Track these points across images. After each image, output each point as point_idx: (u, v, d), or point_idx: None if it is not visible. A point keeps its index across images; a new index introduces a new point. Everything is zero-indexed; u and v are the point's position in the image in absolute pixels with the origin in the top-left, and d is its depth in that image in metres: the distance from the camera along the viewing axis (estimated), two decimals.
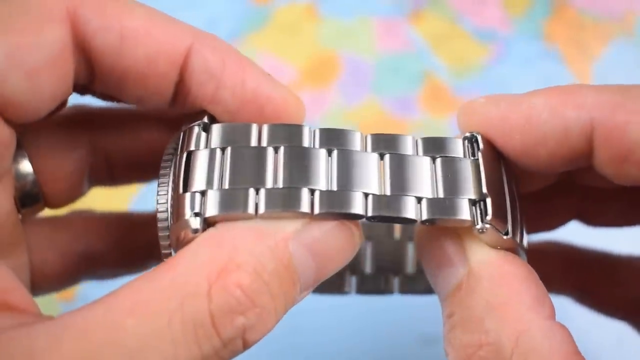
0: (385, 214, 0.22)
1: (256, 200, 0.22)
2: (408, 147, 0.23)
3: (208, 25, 0.48)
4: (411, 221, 0.22)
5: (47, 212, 0.28)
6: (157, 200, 0.23)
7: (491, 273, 0.22)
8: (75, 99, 0.28)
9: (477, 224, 0.22)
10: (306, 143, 0.23)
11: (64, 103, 0.27)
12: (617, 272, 0.31)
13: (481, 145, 0.23)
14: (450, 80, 0.47)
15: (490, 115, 0.24)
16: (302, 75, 0.47)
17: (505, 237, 0.22)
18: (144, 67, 0.23)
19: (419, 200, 0.22)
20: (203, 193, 0.22)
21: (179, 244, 0.22)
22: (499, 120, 0.23)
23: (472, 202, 0.22)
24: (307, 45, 0.48)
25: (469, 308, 0.22)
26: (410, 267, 0.29)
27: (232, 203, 0.22)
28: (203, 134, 0.23)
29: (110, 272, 0.30)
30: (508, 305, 0.21)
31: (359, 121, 0.46)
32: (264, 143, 0.23)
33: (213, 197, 0.22)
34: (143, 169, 0.29)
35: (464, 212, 0.22)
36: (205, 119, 0.24)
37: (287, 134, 0.23)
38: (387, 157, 0.23)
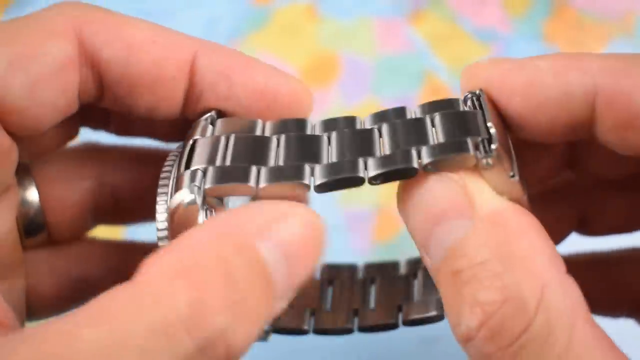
0: (385, 169, 0.21)
1: (257, 175, 0.22)
2: (405, 115, 0.23)
3: (208, 25, 0.48)
4: (413, 170, 0.21)
5: None
6: (157, 210, 0.23)
7: (507, 223, 0.20)
8: (88, 136, 0.28)
9: (482, 155, 0.21)
10: (307, 132, 0.23)
11: (72, 131, 0.27)
12: (614, 268, 0.31)
13: (483, 96, 0.23)
14: (450, 80, 0.47)
15: (492, 76, 0.23)
16: (302, 75, 0.47)
17: (512, 178, 0.21)
18: (153, 73, 0.24)
19: (419, 153, 0.21)
20: (204, 171, 0.22)
21: (174, 225, 0.22)
22: (500, 81, 0.23)
23: (475, 144, 0.21)
24: (307, 45, 0.48)
25: (481, 263, 0.20)
26: (416, 298, 0.28)
27: (233, 175, 0.21)
28: (209, 126, 0.24)
29: None
30: (529, 258, 0.20)
31: None
32: (267, 134, 0.23)
33: (213, 171, 0.22)
34: (150, 208, 0.29)
35: (467, 148, 0.21)
36: (213, 113, 0.24)
37: (290, 126, 0.23)
38: (384, 126, 0.23)
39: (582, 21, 0.49)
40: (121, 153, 0.29)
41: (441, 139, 0.22)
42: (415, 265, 0.29)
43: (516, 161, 0.22)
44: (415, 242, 0.22)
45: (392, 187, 0.23)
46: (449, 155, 0.21)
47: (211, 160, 0.22)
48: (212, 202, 0.22)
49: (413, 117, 0.23)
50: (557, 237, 0.30)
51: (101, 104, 0.25)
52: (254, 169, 0.22)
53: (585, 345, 0.19)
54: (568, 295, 0.20)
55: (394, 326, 0.27)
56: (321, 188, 0.22)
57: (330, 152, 0.23)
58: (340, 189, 0.22)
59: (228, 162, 0.22)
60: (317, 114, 0.25)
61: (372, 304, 0.28)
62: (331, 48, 0.48)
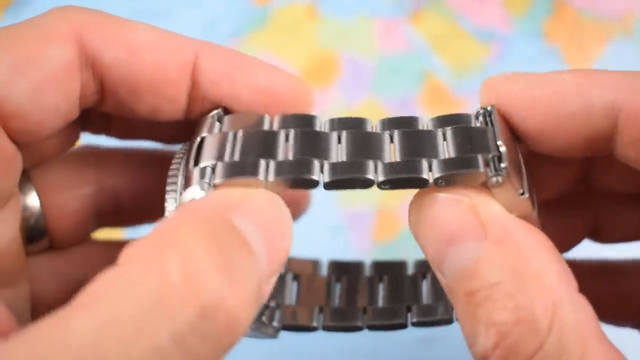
0: (396, 176, 0.22)
1: (266, 169, 0.22)
2: (417, 125, 0.23)
3: (208, 25, 0.48)
4: (423, 181, 0.21)
5: None
6: (166, 208, 0.23)
7: (518, 243, 0.21)
8: (88, 140, 0.28)
9: (492, 174, 0.21)
10: (317, 128, 0.23)
11: (73, 137, 0.27)
12: (626, 279, 0.31)
13: (494, 113, 0.23)
14: (451, 80, 0.47)
15: (514, 89, 0.23)
16: (303, 75, 0.47)
17: (521, 196, 0.22)
18: (155, 75, 0.24)
19: (430, 165, 0.22)
20: (213, 168, 0.22)
21: None
22: (522, 94, 0.23)
23: (486, 161, 0.21)
24: (307, 45, 0.48)
25: (494, 284, 0.20)
26: (425, 299, 0.28)
27: (242, 169, 0.22)
28: (217, 123, 0.24)
29: None
30: (540, 277, 0.20)
31: None
32: (275, 128, 0.23)
33: (222, 166, 0.22)
34: (151, 211, 0.29)
35: (478, 165, 0.21)
36: (220, 110, 0.24)
37: (299, 121, 0.24)
38: (396, 133, 0.23)
39: (582, 21, 0.49)
40: (121, 156, 0.29)
41: (452, 153, 0.22)
42: (424, 266, 0.29)
43: (527, 177, 0.23)
44: (429, 261, 0.22)
45: None
46: (459, 171, 0.21)
47: (220, 156, 0.22)
48: None
49: (425, 128, 0.23)
50: (569, 243, 0.30)
51: (103, 108, 0.25)
52: (262, 162, 0.22)
53: None
54: (579, 312, 0.20)
55: (402, 326, 0.27)
56: (330, 185, 0.22)
57: (340, 151, 0.23)
58: (349, 188, 0.22)
59: (237, 157, 0.22)
60: (318, 113, 0.25)
61: (380, 302, 0.28)
62: (331, 48, 0.48)
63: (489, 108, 0.23)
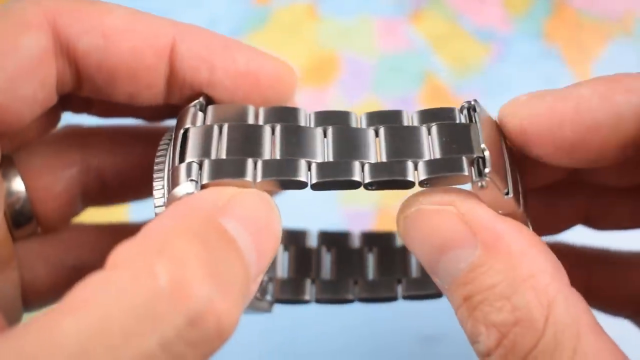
0: (382, 178, 0.22)
1: (254, 168, 0.22)
2: (403, 120, 0.23)
3: (208, 25, 0.48)
4: (409, 183, 0.22)
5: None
6: (155, 195, 0.23)
7: (509, 245, 0.21)
8: (70, 119, 0.28)
9: (476, 179, 0.21)
10: (302, 123, 0.23)
11: (54, 119, 0.27)
12: (622, 270, 0.31)
13: (478, 110, 0.23)
14: (451, 80, 0.47)
15: (537, 109, 0.23)
16: (302, 75, 0.47)
17: (506, 196, 0.22)
18: (131, 62, 0.23)
19: (416, 165, 0.22)
20: (200, 164, 0.22)
21: None
22: (547, 113, 0.23)
23: (470, 162, 0.22)
24: (307, 45, 0.48)
25: (489, 288, 0.21)
26: (415, 272, 0.29)
27: (230, 170, 0.22)
28: (200, 114, 0.24)
29: None
30: (533, 277, 0.21)
31: None
32: (261, 122, 0.23)
33: (210, 165, 0.22)
34: (137, 188, 0.29)
35: (463, 168, 0.22)
36: (202, 99, 0.24)
37: (284, 114, 0.23)
38: (381, 130, 0.23)
39: (582, 21, 0.49)
40: (104, 134, 0.28)
41: (437, 153, 0.22)
42: None
43: (512, 174, 0.23)
44: (424, 267, 0.23)
45: None
46: (444, 174, 0.22)
47: (206, 152, 0.22)
48: None
49: (410, 123, 0.23)
50: (560, 227, 0.30)
51: (80, 93, 0.25)
52: (250, 162, 0.22)
53: (590, 354, 0.20)
54: (573, 307, 0.21)
55: (393, 299, 0.28)
56: (317, 187, 0.22)
57: (326, 149, 0.23)
58: (336, 189, 0.22)
59: (223, 154, 0.22)
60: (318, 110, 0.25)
61: (370, 275, 0.29)
62: (331, 47, 0.48)
63: (472, 102, 0.23)
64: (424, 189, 0.22)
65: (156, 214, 0.22)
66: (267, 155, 0.22)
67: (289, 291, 0.28)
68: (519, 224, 0.22)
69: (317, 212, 0.41)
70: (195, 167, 0.22)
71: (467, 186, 0.22)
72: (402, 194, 0.23)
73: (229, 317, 0.18)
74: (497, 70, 0.47)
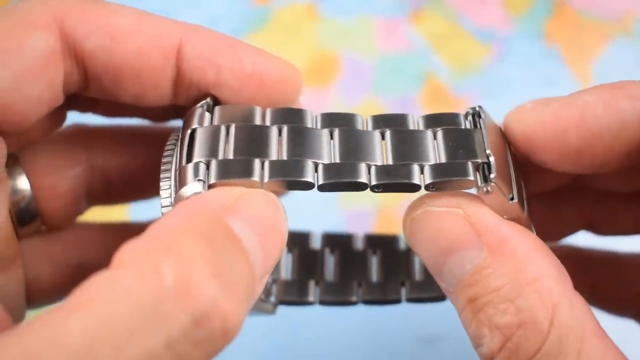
0: (389, 181, 0.22)
1: (261, 169, 0.22)
2: (408, 124, 0.23)
3: (208, 25, 0.48)
4: (415, 187, 0.22)
5: None
6: (161, 195, 0.23)
7: (514, 249, 0.21)
8: (75, 118, 0.28)
9: (481, 184, 0.22)
10: (309, 124, 0.23)
11: (60, 118, 0.27)
12: (627, 270, 0.31)
13: (483, 116, 0.23)
14: (451, 80, 0.47)
15: (542, 117, 0.23)
16: (303, 75, 0.47)
17: (511, 201, 0.22)
18: (137, 62, 0.23)
19: (422, 168, 0.22)
20: (207, 164, 0.22)
21: None
22: (552, 120, 0.23)
23: (475, 167, 0.22)
24: (307, 45, 0.48)
25: (494, 290, 0.21)
26: (418, 275, 0.29)
27: (238, 170, 0.22)
28: (207, 114, 0.24)
29: None
30: (538, 281, 0.21)
31: None
32: (268, 123, 0.23)
33: (217, 165, 0.22)
34: (142, 187, 0.29)
35: (469, 173, 0.22)
36: (209, 100, 0.24)
37: (290, 116, 0.23)
38: (387, 132, 0.23)
39: (582, 21, 0.49)
40: (109, 133, 0.28)
41: (443, 157, 0.22)
42: None
43: (516, 179, 0.23)
44: (428, 270, 0.23)
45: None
46: (450, 179, 0.22)
47: (213, 152, 0.22)
48: None
49: (416, 127, 0.24)
50: (563, 233, 0.30)
51: (87, 93, 0.25)
52: (257, 162, 0.22)
53: (594, 357, 0.20)
54: (577, 310, 0.21)
55: (397, 301, 0.28)
56: (324, 188, 0.22)
57: (333, 150, 0.23)
58: (342, 190, 0.22)
59: (230, 155, 0.22)
60: (321, 111, 0.25)
61: (374, 277, 0.29)
62: (331, 48, 0.48)
63: (477, 108, 0.23)
64: (431, 192, 0.22)
65: (163, 214, 0.22)
66: (274, 156, 0.22)
67: (292, 293, 0.28)
68: (524, 229, 0.22)
69: (318, 212, 0.41)
70: (202, 167, 0.22)
71: (472, 191, 0.23)
72: (403, 196, 0.23)
73: (234, 317, 0.18)
74: (497, 70, 0.47)
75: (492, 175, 0.21)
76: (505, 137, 0.24)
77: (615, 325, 0.31)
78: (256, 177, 0.21)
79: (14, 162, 0.26)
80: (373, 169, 0.22)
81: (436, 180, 0.22)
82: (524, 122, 0.23)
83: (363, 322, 0.39)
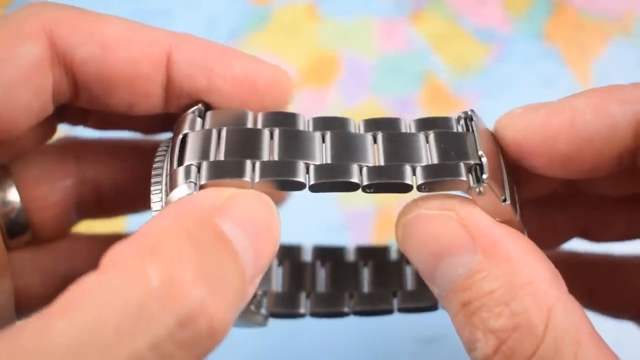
0: (381, 181, 0.22)
1: (252, 169, 0.22)
2: (400, 127, 0.24)
3: (208, 25, 0.48)
4: (407, 187, 0.22)
5: None
6: (152, 199, 0.23)
7: (507, 252, 0.21)
8: (66, 132, 0.28)
9: (474, 185, 0.22)
10: (300, 128, 0.23)
11: (50, 130, 0.27)
12: (625, 273, 0.31)
13: (475, 120, 0.23)
14: (451, 80, 0.47)
15: (532, 123, 0.23)
16: (302, 75, 0.47)
17: (503, 203, 0.22)
18: (128, 71, 0.24)
19: (414, 170, 0.22)
20: (198, 166, 0.22)
21: None
22: (541, 126, 0.23)
23: (468, 168, 0.22)
24: (307, 45, 0.48)
25: (488, 294, 0.21)
26: (410, 285, 0.29)
27: (229, 170, 0.22)
28: (198, 119, 0.24)
29: None
30: (532, 283, 0.21)
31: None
32: (260, 127, 0.23)
33: (208, 166, 0.22)
34: (133, 200, 0.29)
35: (461, 173, 0.22)
36: (200, 106, 0.24)
37: (282, 119, 0.23)
38: (379, 135, 0.23)
39: (582, 21, 0.49)
40: (100, 146, 0.29)
41: (435, 159, 0.22)
42: None
43: (508, 181, 0.23)
44: (420, 274, 0.23)
45: None
46: (443, 179, 0.22)
47: (204, 154, 0.22)
48: None
49: (408, 130, 0.24)
50: (557, 241, 0.30)
51: (77, 103, 0.25)
52: (248, 163, 0.22)
53: None
54: (571, 314, 0.21)
55: (389, 312, 0.28)
56: (315, 188, 0.22)
57: (325, 152, 0.23)
58: (334, 191, 0.22)
59: (222, 156, 0.22)
60: (318, 113, 0.25)
61: (365, 287, 0.29)
62: (331, 48, 0.48)
63: (469, 112, 0.23)
64: (424, 194, 0.22)
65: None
66: (265, 157, 0.22)
67: (283, 305, 0.28)
68: (517, 231, 0.22)
69: (317, 212, 0.41)
70: (193, 169, 0.22)
71: (465, 192, 0.22)
72: (403, 196, 0.23)
73: (221, 317, 0.18)
74: (497, 70, 0.47)
75: (484, 176, 0.21)
76: (497, 142, 0.24)
77: (614, 328, 0.31)
78: (247, 177, 0.21)
79: (4, 174, 0.26)
80: (365, 169, 0.22)
81: (428, 180, 0.22)
82: (513, 128, 0.23)
83: (362, 323, 0.39)
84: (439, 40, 0.49)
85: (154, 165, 0.23)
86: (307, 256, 0.30)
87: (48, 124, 0.26)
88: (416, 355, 0.39)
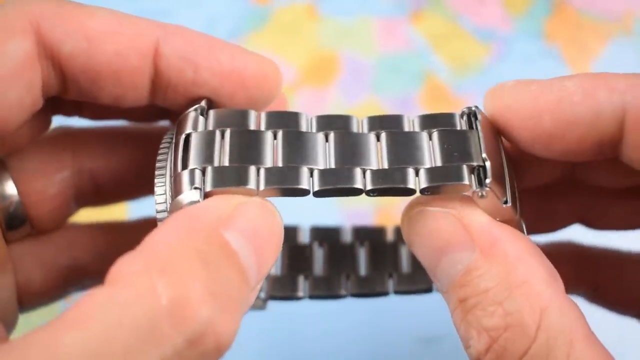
0: (384, 186, 0.22)
1: (257, 176, 0.22)
2: (404, 125, 0.24)
3: (208, 25, 0.48)
4: (410, 191, 0.22)
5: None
6: (156, 192, 0.23)
7: (505, 251, 0.21)
8: (61, 122, 0.28)
9: (476, 188, 0.22)
10: (303, 128, 0.23)
11: (45, 123, 0.27)
12: (630, 269, 0.31)
13: (479, 117, 0.23)
14: (451, 80, 0.47)
15: (521, 97, 0.23)
16: (302, 75, 0.47)
17: (504, 205, 0.22)
18: (115, 64, 0.23)
19: (417, 172, 0.22)
20: (203, 170, 0.22)
21: None
22: (529, 101, 0.23)
23: (471, 170, 0.22)
24: (307, 45, 0.48)
25: (484, 292, 0.21)
26: (405, 267, 0.29)
27: (233, 178, 0.22)
28: (201, 118, 0.24)
29: (97, 283, 0.29)
30: (527, 283, 0.21)
31: None
32: (263, 127, 0.23)
33: (213, 172, 0.22)
34: (130, 188, 0.29)
35: (464, 177, 0.22)
36: (203, 103, 0.24)
37: (285, 119, 0.23)
38: (383, 135, 0.23)
39: (582, 21, 0.49)
40: (96, 135, 0.29)
41: (438, 160, 0.22)
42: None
43: (509, 180, 0.23)
44: (425, 268, 0.23)
45: None
46: (445, 183, 0.22)
47: (209, 159, 0.22)
48: None
49: (411, 127, 0.24)
50: (557, 226, 0.30)
51: (67, 96, 0.25)
52: (252, 169, 0.22)
53: None
54: (566, 315, 0.21)
55: (384, 294, 0.29)
56: (319, 194, 0.22)
57: (328, 155, 0.23)
58: (338, 196, 0.22)
59: (226, 162, 0.22)
60: (318, 113, 0.25)
61: (362, 270, 0.29)
62: (331, 47, 0.48)
63: (473, 108, 0.23)
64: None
65: (158, 219, 0.22)
66: (269, 162, 0.22)
67: (282, 288, 0.29)
68: (516, 231, 0.22)
69: (317, 212, 0.41)
70: (198, 174, 0.22)
71: (467, 194, 0.23)
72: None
73: (228, 334, 0.19)
74: (497, 70, 0.47)
75: (487, 180, 0.22)
76: (498, 134, 0.24)
77: (616, 326, 0.31)
78: (252, 185, 0.22)
79: (1, 168, 0.26)
80: (368, 173, 0.22)
81: (431, 184, 0.22)
82: (503, 99, 0.23)
83: (362, 322, 0.39)
84: (438, 40, 0.49)
85: (158, 163, 0.23)
86: (305, 237, 0.30)
87: (42, 117, 0.26)
88: (416, 355, 0.39)
